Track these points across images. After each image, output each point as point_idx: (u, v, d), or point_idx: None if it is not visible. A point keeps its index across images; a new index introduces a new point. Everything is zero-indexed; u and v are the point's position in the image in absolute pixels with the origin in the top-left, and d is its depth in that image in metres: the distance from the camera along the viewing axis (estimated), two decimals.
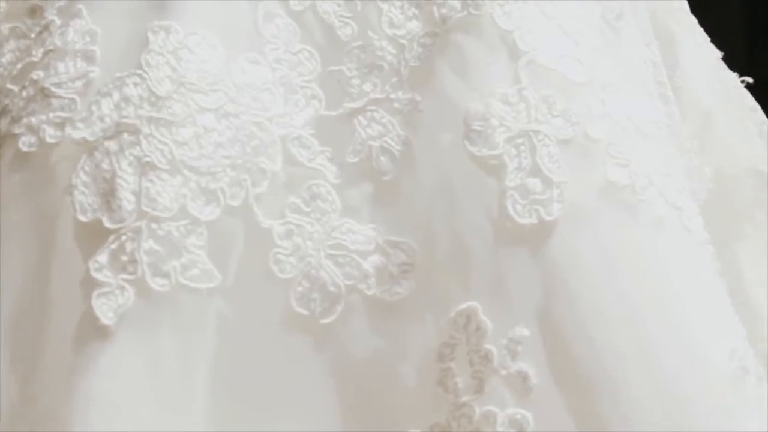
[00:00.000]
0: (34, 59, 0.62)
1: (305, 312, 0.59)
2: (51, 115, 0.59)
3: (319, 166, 0.62)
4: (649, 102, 0.90)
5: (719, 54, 1.11)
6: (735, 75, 1.11)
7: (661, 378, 0.59)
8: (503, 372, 0.58)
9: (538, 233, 0.60)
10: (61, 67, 0.60)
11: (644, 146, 0.67)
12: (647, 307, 0.60)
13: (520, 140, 0.62)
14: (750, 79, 1.11)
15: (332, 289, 0.60)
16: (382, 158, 0.63)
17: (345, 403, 0.59)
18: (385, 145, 0.63)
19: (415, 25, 0.65)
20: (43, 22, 0.63)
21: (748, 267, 0.99)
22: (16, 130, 0.60)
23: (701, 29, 1.10)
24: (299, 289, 0.59)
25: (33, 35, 0.63)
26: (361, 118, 0.64)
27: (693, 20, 1.08)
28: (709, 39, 1.09)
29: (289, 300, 0.59)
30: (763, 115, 1.10)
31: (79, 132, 0.58)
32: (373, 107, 0.64)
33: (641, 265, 0.61)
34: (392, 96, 0.64)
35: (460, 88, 0.63)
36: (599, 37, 0.74)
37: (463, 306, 0.58)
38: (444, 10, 0.64)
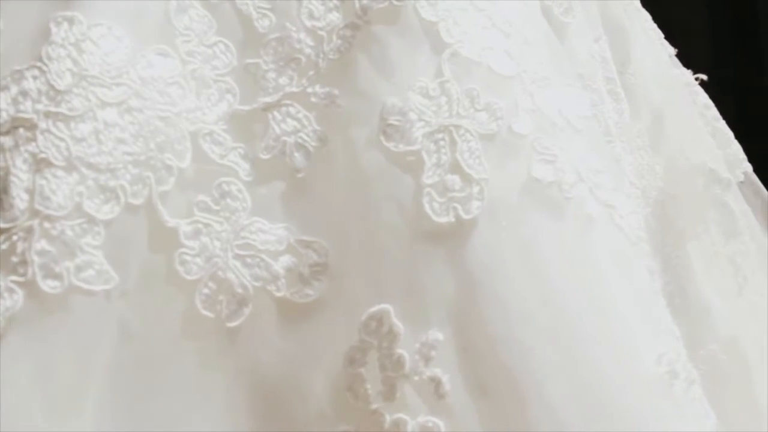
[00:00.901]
0: None
1: (211, 315, 0.56)
2: None
3: (231, 163, 0.58)
4: (594, 97, 0.87)
5: (673, 51, 1.08)
6: (689, 72, 1.07)
7: (587, 383, 0.55)
8: (415, 378, 0.54)
9: (455, 233, 0.56)
10: None
11: (576, 142, 0.64)
12: (573, 310, 0.56)
13: (439, 135, 0.58)
14: (704, 77, 1.08)
15: (239, 291, 0.56)
16: (297, 155, 0.59)
17: (251, 411, 0.56)
18: (300, 140, 0.59)
19: (335, 17, 0.61)
20: None
21: (700, 267, 0.96)
22: None
23: (655, 25, 1.06)
24: (205, 291, 0.56)
25: None
26: (275, 113, 0.60)
27: (646, 16, 1.05)
28: (663, 36, 1.06)
29: (195, 302, 0.55)
30: (717, 113, 1.06)
31: None
32: (289, 102, 0.60)
33: (567, 265, 0.57)
34: (309, 90, 0.60)
35: (379, 82, 0.59)
36: (535, 31, 0.71)
37: (375, 309, 0.55)
38: (365, 1, 0.60)
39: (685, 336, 0.94)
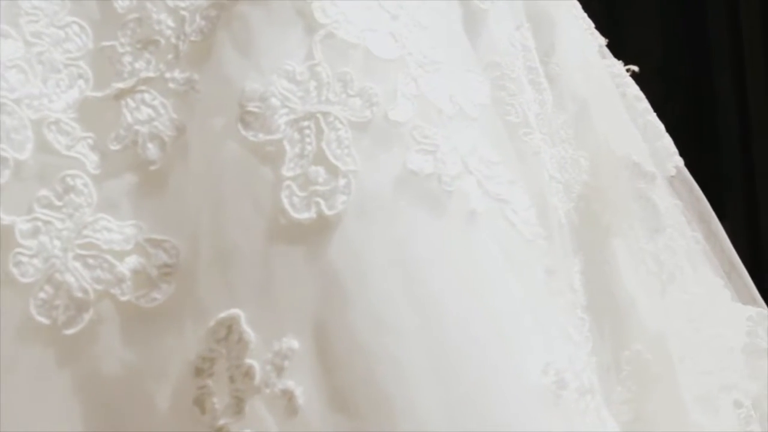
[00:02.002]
0: None
1: (46, 321, 0.49)
2: None
3: (78, 155, 0.52)
4: (513, 87, 0.81)
5: (603, 41, 1.02)
6: (620, 63, 1.02)
7: (462, 396, 0.49)
8: (266, 391, 0.48)
9: (317, 230, 0.50)
10: None
11: (469, 131, 0.57)
12: (450, 316, 0.50)
13: (305, 123, 0.52)
14: (635, 68, 1.02)
15: (79, 294, 0.49)
16: (150, 145, 0.53)
17: (91, 427, 0.49)
18: (155, 130, 0.53)
19: None
20: None
21: (627, 264, 0.90)
22: None
23: (584, 14, 1.01)
24: (41, 295, 0.49)
25: None
26: (129, 100, 0.53)
27: (575, 4, 0.99)
28: (593, 25, 1.00)
29: (29, 308, 0.49)
30: (648, 105, 1.01)
31: None
32: (145, 88, 0.54)
33: (446, 266, 0.51)
34: (167, 75, 0.54)
35: (240, 66, 0.53)
36: (434, 14, 0.64)
37: (224, 314, 0.48)
38: None
39: (610, 336, 0.89)
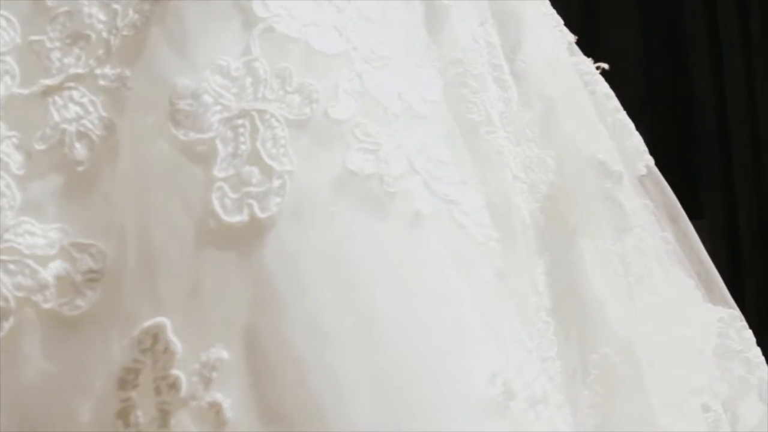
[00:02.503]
0: None
1: None
2: None
3: (1, 155, 0.49)
4: (475, 85, 0.78)
5: (572, 38, 0.99)
6: (589, 60, 0.99)
7: (403, 409, 0.46)
8: (193, 403, 0.45)
9: (249, 234, 0.47)
10: None
11: (418, 129, 0.55)
12: (388, 323, 0.47)
13: (240, 121, 0.49)
14: (606, 66, 0.99)
15: None
16: (77, 145, 0.50)
17: None
18: (83, 129, 0.50)
19: None
20: None
21: (594, 265, 0.87)
22: None
23: (553, 11, 0.98)
24: None
25: None
26: (57, 97, 0.50)
27: (544, 2, 0.96)
28: (563, 22, 0.97)
29: None
30: (617, 103, 0.98)
31: None
32: (73, 84, 0.51)
33: (386, 271, 0.48)
34: (97, 71, 0.51)
35: (174, 62, 0.50)
36: (385, 8, 0.61)
37: (150, 323, 0.45)
38: None
39: (577, 339, 0.86)
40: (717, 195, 1.91)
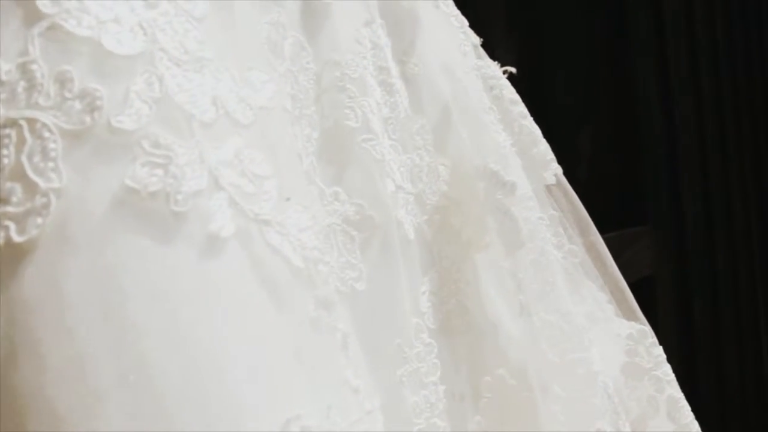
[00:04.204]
0: None
1: None
2: None
3: None
4: (352, 89, 0.71)
5: (478, 40, 0.92)
6: (496, 64, 0.92)
7: None
8: None
9: (5, 260, 0.40)
10: None
11: (232, 139, 0.48)
12: (166, 367, 0.40)
13: (5, 131, 0.42)
14: (513, 69, 0.93)
15: None
16: None
17: None
18: None
19: None
20: None
21: (489, 282, 0.80)
22: None
23: (458, 12, 0.91)
24: None
25: None
26: None
27: (447, 2, 0.90)
28: (467, 23, 0.91)
29: None
30: (524, 109, 0.91)
31: None
32: None
33: (167, 303, 0.41)
34: None
35: None
36: (219, 8, 0.54)
37: None
38: None
39: (467, 361, 0.79)
40: (663, 203, 1.85)
